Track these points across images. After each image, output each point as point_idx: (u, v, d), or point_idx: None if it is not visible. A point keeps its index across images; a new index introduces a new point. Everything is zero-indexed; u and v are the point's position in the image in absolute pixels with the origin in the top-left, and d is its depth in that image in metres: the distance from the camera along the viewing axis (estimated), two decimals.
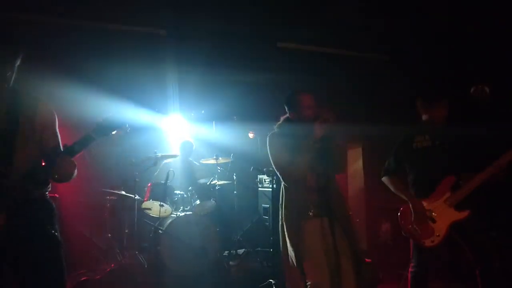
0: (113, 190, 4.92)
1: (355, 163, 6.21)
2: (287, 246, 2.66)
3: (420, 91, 3.25)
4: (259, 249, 5.35)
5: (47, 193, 2.13)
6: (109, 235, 5.01)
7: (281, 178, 2.72)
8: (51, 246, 2.04)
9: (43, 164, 2.05)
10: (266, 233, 5.28)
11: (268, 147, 2.72)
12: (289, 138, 2.64)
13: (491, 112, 3.42)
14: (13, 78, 2.00)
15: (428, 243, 2.98)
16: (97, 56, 4.53)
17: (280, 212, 2.74)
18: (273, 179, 5.05)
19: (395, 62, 5.40)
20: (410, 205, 3.06)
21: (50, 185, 2.14)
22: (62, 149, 2.09)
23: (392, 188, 3.20)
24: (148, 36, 4.75)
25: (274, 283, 3.97)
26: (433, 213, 3.01)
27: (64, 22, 4.40)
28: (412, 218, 3.04)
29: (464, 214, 2.94)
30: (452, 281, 4.27)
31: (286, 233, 2.66)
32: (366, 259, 4.70)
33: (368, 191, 5.93)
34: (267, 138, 2.74)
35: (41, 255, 1.99)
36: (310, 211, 2.59)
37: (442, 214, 2.99)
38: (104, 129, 2.06)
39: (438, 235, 2.96)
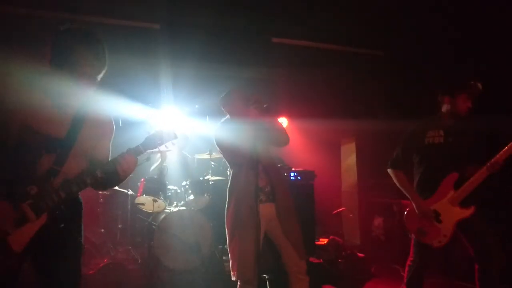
0: None
1: (349, 159, 6.22)
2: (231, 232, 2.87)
3: (445, 78, 3.20)
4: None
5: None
6: (102, 230, 4.99)
7: (228, 164, 3.03)
8: (75, 252, 2.06)
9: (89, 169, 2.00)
10: None
11: (214, 139, 3.02)
12: (231, 127, 2.94)
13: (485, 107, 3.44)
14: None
15: (436, 243, 2.96)
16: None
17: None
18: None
19: (389, 58, 5.40)
20: (414, 206, 3.02)
21: None
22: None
23: (397, 183, 3.12)
24: (141, 30, 4.71)
25: (267, 278, 3.97)
26: (439, 213, 2.97)
27: (57, 15, 4.35)
28: (418, 219, 3.01)
29: (469, 211, 2.90)
30: (447, 277, 4.32)
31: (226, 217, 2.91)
32: (359, 254, 4.74)
33: (361, 186, 5.96)
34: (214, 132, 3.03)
35: (64, 259, 1.98)
36: (258, 197, 2.69)
37: (448, 214, 2.94)
38: (152, 143, 2.09)
39: (445, 235, 2.93)
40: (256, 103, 2.74)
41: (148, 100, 5.37)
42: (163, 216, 4.67)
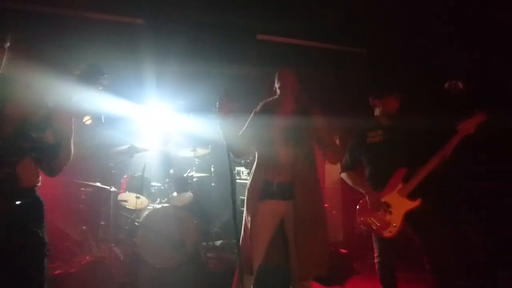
0: (88, 181, 4.84)
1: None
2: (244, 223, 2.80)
3: (372, 87, 3.39)
4: (235, 241, 5.33)
5: (36, 187, 2.02)
6: (84, 227, 4.94)
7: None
8: (34, 247, 1.96)
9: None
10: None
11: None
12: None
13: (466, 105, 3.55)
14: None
15: (386, 234, 3.12)
16: (71, 45, 4.40)
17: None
18: (250, 171, 5.06)
19: (373, 56, 5.44)
20: (367, 198, 3.19)
21: (39, 178, 2.03)
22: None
23: (350, 182, 3.32)
24: (124, 25, 4.64)
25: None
26: (389, 205, 3.14)
27: (38, 9, 4.26)
28: (370, 211, 3.17)
29: (416, 202, 3.07)
30: (420, 271, 4.39)
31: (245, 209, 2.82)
32: (342, 250, 4.79)
33: (344, 182, 5.97)
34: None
35: (21, 255, 1.90)
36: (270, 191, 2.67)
37: (397, 205, 3.12)
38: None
39: (395, 226, 3.10)
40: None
41: (132, 96, 5.32)
42: (146, 213, 4.64)
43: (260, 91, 5.62)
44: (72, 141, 2.02)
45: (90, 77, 2.00)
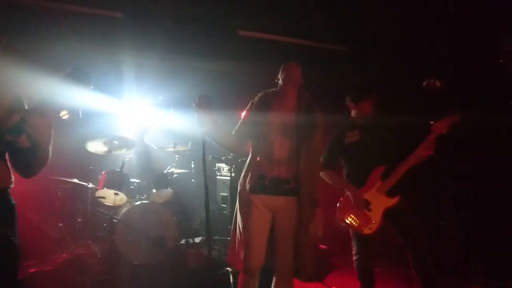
0: (65, 178, 4.74)
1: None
2: (236, 219, 2.70)
3: (349, 89, 3.42)
4: (216, 237, 5.34)
5: (8, 189, 1.94)
6: (61, 224, 4.83)
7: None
8: (5, 251, 1.88)
9: None
10: (224, 221, 5.28)
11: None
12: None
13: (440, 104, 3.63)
14: None
15: (366, 230, 3.16)
16: (49, 38, 4.29)
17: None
18: (231, 167, 5.04)
19: (354, 54, 5.48)
20: (349, 194, 3.23)
21: (12, 180, 1.96)
22: None
23: (330, 181, 3.33)
24: (103, 18, 4.54)
25: (231, 271, 3.97)
26: (369, 202, 3.18)
27: (15, 1, 4.13)
28: (351, 207, 3.21)
29: (395, 200, 3.13)
30: (397, 267, 4.46)
31: (237, 204, 2.72)
32: (322, 246, 4.82)
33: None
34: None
35: None
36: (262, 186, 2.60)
37: (376, 202, 3.17)
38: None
39: (375, 222, 3.14)
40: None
41: (110, 90, 5.23)
42: (125, 209, 4.57)
43: (241, 87, 5.63)
44: (50, 147, 1.96)
45: (79, 77, 1.93)
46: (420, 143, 3.09)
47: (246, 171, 2.72)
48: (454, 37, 4.21)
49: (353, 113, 3.37)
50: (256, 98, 2.76)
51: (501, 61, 3.70)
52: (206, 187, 2.64)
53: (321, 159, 3.32)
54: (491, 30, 3.76)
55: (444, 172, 4.17)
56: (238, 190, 2.74)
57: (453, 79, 3.65)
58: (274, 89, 2.78)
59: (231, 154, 4.96)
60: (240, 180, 2.73)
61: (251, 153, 2.74)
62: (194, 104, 2.53)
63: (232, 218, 2.80)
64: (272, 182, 2.61)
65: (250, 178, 2.65)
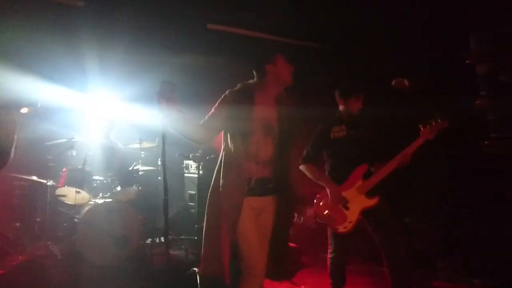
0: (23, 175, 4.51)
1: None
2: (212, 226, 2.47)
3: (339, 84, 3.39)
4: (183, 237, 5.22)
5: None
6: (18, 224, 4.64)
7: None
8: None
9: None
10: (192, 220, 5.15)
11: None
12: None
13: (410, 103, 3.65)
14: None
15: (341, 229, 3.13)
16: (5, 28, 4.05)
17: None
18: (199, 165, 4.93)
19: (325, 51, 5.47)
20: (328, 191, 3.17)
21: None
22: None
23: (310, 176, 3.27)
24: (63, 7, 4.31)
25: (197, 272, 3.88)
26: (347, 201, 3.15)
27: None
28: (328, 204, 3.16)
29: (374, 201, 3.10)
30: (367, 264, 4.49)
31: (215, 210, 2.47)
32: (291, 244, 4.79)
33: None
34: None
35: None
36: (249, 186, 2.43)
37: (354, 201, 3.13)
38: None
39: (350, 221, 3.11)
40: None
41: (73, 83, 5.01)
42: (87, 208, 4.41)
43: (211, 81, 5.51)
44: (13, 149, 1.81)
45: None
46: (407, 146, 3.08)
47: (226, 172, 2.44)
48: (427, 36, 4.24)
49: (340, 107, 3.32)
50: (233, 90, 2.50)
51: (467, 61, 3.74)
52: (165, 188, 2.42)
53: (304, 152, 3.31)
54: (463, 31, 3.80)
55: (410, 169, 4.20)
56: (217, 193, 2.45)
57: (424, 79, 3.68)
58: (254, 81, 2.57)
59: (200, 151, 4.85)
60: (220, 183, 2.44)
61: (233, 152, 2.45)
62: (156, 93, 2.29)
63: (199, 217, 2.67)
64: (258, 184, 2.47)
65: (234, 181, 2.41)
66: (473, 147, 3.80)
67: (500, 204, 3.74)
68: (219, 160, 2.55)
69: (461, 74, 3.84)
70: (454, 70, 3.95)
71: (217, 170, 2.52)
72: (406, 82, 3.21)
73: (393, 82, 3.26)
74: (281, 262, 2.60)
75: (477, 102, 3.73)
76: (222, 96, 2.50)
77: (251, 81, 2.58)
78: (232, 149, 2.46)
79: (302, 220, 5.67)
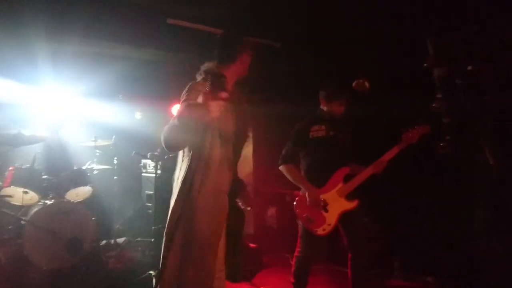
0: None
1: (246, 148, 6.19)
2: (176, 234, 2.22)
3: (324, 85, 3.33)
4: (139, 239, 5.03)
5: None
6: None
7: None
8: None
9: None
10: (149, 221, 4.98)
11: None
12: None
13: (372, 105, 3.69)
14: None
15: (320, 231, 3.10)
16: None
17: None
18: (157, 164, 4.78)
19: (286, 50, 5.45)
20: (307, 194, 3.12)
21: None
22: None
23: (289, 177, 3.22)
24: None
25: (154, 275, 3.75)
26: (326, 203, 3.12)
27: None
28: (307, 207, 3.12)
29: (354, 203, 3.11)
30: (331, 264, 4.52)
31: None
32: (251, 244, 4.74)
33: (256, 176, 5.97)
34: None
35: None
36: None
37: (334, 204, 3.12)
38: None
39: (329, 224, 3.10)
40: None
41: (21, 76, 4.72)
42: (35, 209, 4.15)
43: (170, 77, 5.35)
44: None
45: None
46: (388, 150, 3.10)
47: (193, 177, 2.19)
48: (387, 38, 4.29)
49: (323, 107, 3.28)
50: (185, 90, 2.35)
51: (425, 65, 3.81)
52: None
53: (283, 151, 3.25)
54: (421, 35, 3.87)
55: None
56: (188, 201, 2.21)
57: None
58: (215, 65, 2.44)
59: (158, 150, 4.68)
60: (188, 189, 2.19)
61: (198, 156, 2.22)
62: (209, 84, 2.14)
63: (157, 218, 2.52)
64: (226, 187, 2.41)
65: (205, 187, 2.24)
66: (428, 148, 3.89)
67: (453, 204, 3.85)
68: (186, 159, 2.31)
69: (419, 77, 3.92)
70: (413, 73, 4.02)
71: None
72: (366, 84, 3.23)
73: (354, 84, 3.27)
74: (238, 265, 2.55)
75: (433, 105, 3.82)
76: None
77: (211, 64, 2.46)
78: (192, 149, 2.25)
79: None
